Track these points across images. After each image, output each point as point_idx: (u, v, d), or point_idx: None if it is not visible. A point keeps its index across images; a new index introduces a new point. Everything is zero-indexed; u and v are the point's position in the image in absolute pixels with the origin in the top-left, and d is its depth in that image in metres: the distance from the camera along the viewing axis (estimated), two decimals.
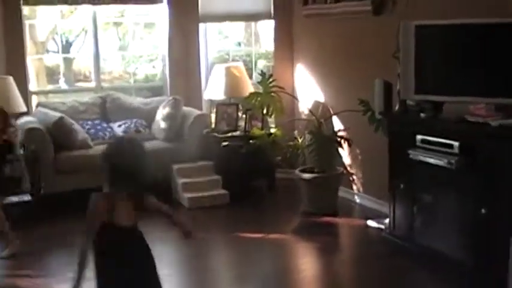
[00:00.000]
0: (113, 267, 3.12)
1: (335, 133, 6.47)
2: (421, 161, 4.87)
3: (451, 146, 4.61)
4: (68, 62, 9.40)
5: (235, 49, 9.08)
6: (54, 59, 9.25)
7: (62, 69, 8.80)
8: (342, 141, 6.37)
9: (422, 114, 4.95)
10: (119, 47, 9.64)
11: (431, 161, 4.76)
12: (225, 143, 6.96)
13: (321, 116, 6.69)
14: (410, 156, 4.95)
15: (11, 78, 6.68)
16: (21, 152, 6.28)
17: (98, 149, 6.88)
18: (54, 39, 9.63)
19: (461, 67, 4.76)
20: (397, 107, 5.33)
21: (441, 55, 4.92)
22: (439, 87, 4.88)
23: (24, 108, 6.80)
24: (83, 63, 9.66)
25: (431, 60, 4.96)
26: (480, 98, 4.61)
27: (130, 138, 5.10)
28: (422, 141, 4.86)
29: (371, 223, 5.94)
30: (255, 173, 7.21)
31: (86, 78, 9.35)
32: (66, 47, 9.50)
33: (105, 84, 8.18)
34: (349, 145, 6.42)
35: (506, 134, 4.28)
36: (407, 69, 5.01)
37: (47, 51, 9.65)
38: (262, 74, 6.81)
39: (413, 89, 5.00)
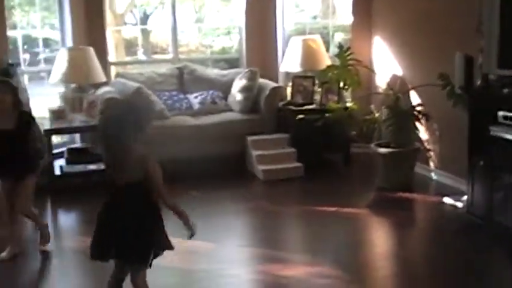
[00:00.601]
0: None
1: (413, 108, 6.35)
2: (503, 138, 4.73)
3: None
4: (145, 34, 9.55)
5: (312, 22, 9.01)
6: (132, 32, 9.40)
7: (140, 41, 8.93)
8: (420, 116, 6.26)
9: (505, 90, 4.80)
10: (195, 20, 9.71)
11: None
12: (300, 116, 6.93)
13: (398, 90, 6.58)
14: (491, 132, 4.82)
15: (91, 49, 6.82)
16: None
17: (175, 119, 6.99)
18: (132, 11, 9.77)
19: None
20: (478, 82, 5.18)
21: None
22: None
23: (103, 79, 6.93)
24: (160, 36, 9.78)
25: None
26: None
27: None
28: (505, 117, 4.72)
29: (447, 200, 5.84)
30: (330, 146, 7.18)
31: (163, 51, 9.46)
32: (144, 19, 9.63)
33: (182, 56, 8.25)
34: (427, 120, 6.30)
35: None
36: (491, 42, 4.87)
37: (125, 23, 9.80)
38: (340, 46, 6.73)
39: (496, 63, 4.85)
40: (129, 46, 9.44)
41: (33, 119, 4.73)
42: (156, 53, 9.68)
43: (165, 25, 8.32)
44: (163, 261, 4.75)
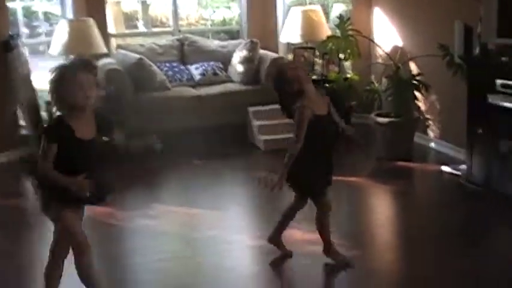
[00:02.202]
0: None
1: (413, 77, 6.38)
2: (501, 107, 4.78)
3: None
4: (145, 7, 9.51)
5: None
6: (132, 5, 9.37)
7: (140, 13, 8.90)
8: (420, 85, 6.29)
9: (503, 58, 4.84)
10: None
11: (511, 106, 4.67)
12: None
13: (398, 60, 6.60)
14: (490, 101, 4.87)
15: (91, 20, 6.82)
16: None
17: (176, 90, 7.03)
18: None
19: None
20: (477, 51, 5.21)
21: None
22: None
23: (104, 50, 6.95)
24: (159, 9, 9.74)
25: None
26: None
27: None
28: (503, 85, 4.76)
29: (446, 169, 5.89)
30: None
31: (163, 24, 9.44)
32: None
33: (182, 28, 8.25)
34: (426, 90, 6.34)
35: None
36: (490, 10, 4.89)
37: None
38: (340, 17, 6.75)
39: (496, 31, 4.88)
40: (129, 19, 9.42)
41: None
42: (155, 26, 9.65)
43: None
44: (166, 228, 4.85)
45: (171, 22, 8.17)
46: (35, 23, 7.72)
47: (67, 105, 3.14)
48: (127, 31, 9.05)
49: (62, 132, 3.12)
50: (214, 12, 9.70)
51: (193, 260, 4.28)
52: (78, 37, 6.64)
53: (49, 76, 3.15)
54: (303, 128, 3.68)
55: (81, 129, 3.15)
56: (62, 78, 3.12)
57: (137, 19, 9.45)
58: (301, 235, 4.46)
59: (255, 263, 4.35)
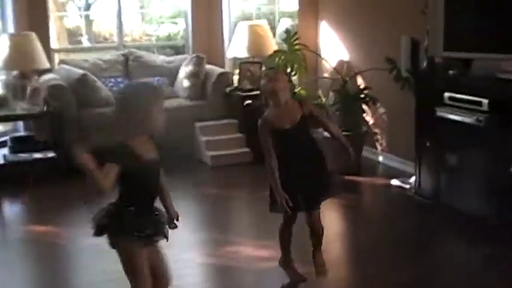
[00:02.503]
0: None
1: (360, 91, 6.39)
2: (449, 119, 4.81)
3: (479, 104, 4.53)
4: (88, 22, 9.36)
5: (258, 7, 8.97)
6: (75, 21, 9.22)
7: (83, 28, 8.76)
8: (367, 99, 6.30)
9: (450, 72, 4.87)
10: (139, 7, 9.57)
11: (459, 118, 4.70)
12: (248, 102, 6.90)
13: (345, 74, 6.61)
14: (438, 114, 4.89)
15: (34, 35, 6.64)
16: (44, 109, 6.29)
17: None
18: (73, 0, 9.58)
19: (494, 22, 4.64)
20: (424, 65, 5.24)
21: (472, 10, 4.81)
22: (469, 43, 4.78)
23: (47, 65, 6.77)
24: (103, 25, 9.60)
25: (462, 15, 4.85)
26: None
27: None
28: (450, 98, 4.79)
29: (395, 182, 5.90)
30: None
31: (106, 40, 9.30)
32: (86, 8, 9.45)
33: (127, 43, 8.12)
34: (374, 104, 6.35)
35: None
36: (436, 25, 4.92)
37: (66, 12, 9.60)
38: (287, 31, 6.74)
39: (442, 45, 4.91)
40: (72, 35, 9.26)
41: None
42: (99, 42, 9.50)
43: (108, 12, 8.17)
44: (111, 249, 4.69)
45: (115, 38, 8.03)
46: None
47: None
48: (70, 46, 8.89)
49: None
50: (159, 27, 9.60)
51: None
52: (19, 52, 6.43)
53: None
54: (263, 142, 3.66)
55: None
56: None
57: (81, 34, 9.29)
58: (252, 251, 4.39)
59: (205, 280, 4.25)
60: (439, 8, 4.88)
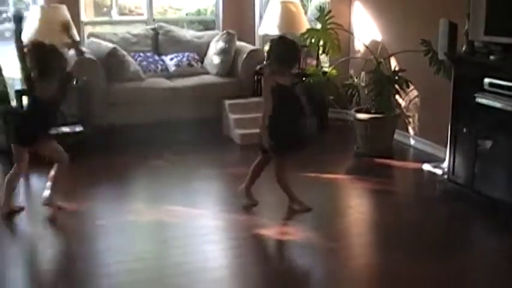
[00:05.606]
0: None
1: (395, 73, 6.27)
2: (487, 106, 4.68)
3: None
4: None
5: None
6: None
7: (111, 1, 8.69)
8: (401, 82, 6.18)
9: (491, 57, 4.74)
10: None
11: (499, 105, 4.57)
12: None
13: (378, 55, 6.49)
14: (477, 100, 4.77)
15: (64, 7, 6.58)
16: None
17: (150, 81, 6.83)
18: None
19: None
20: (463, 49, 5.11)
21: None
22: (511, 28, 4.63)
23: (77, 38, 6.69)
24: None
25: None
26: None
27: None
28: (491, 84, 4.65)
29: (427, 167, 5.81)
30: None
31: (131, 13, 9.23)
32: None
33: (156, 17, 8.03)
34: (408, 87, 6.23)
35: None
36: (478, 8, 4.78)
37: None
38: (321, 9, 6.62)
39: (483, 29, 4.77)
40: (99, 7, 9.20)
41: None
42: (123, 14, 9.42)
43: None
44: (140, 227, 4.69)
45: (144, 10, 7.94)
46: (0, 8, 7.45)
47: None
48: (97, 19, 8.82)
49: None
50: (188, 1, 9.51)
51: (167, 261, 4.11)
52: (50, 24, 6.37)
53: None
54: (266, 91, 4.68)
55: None
56: None
57: (106, 7, 9.22)
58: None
59: (231, 263, 4.19)
60: None
